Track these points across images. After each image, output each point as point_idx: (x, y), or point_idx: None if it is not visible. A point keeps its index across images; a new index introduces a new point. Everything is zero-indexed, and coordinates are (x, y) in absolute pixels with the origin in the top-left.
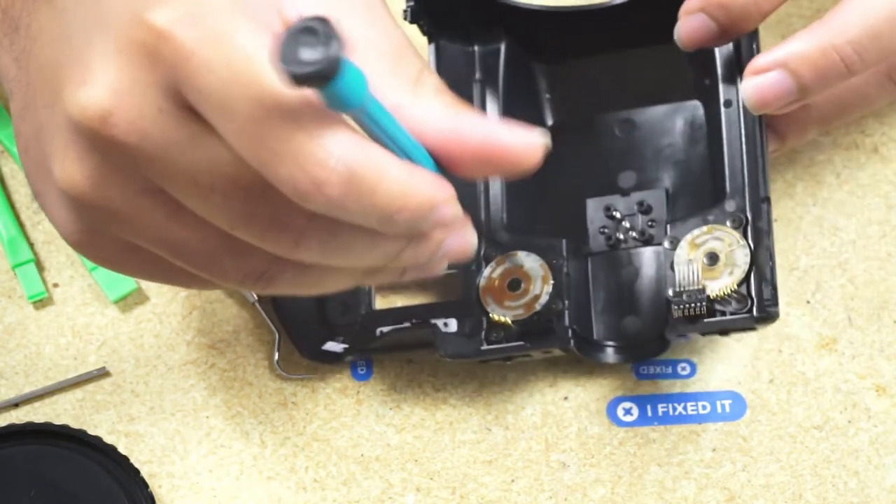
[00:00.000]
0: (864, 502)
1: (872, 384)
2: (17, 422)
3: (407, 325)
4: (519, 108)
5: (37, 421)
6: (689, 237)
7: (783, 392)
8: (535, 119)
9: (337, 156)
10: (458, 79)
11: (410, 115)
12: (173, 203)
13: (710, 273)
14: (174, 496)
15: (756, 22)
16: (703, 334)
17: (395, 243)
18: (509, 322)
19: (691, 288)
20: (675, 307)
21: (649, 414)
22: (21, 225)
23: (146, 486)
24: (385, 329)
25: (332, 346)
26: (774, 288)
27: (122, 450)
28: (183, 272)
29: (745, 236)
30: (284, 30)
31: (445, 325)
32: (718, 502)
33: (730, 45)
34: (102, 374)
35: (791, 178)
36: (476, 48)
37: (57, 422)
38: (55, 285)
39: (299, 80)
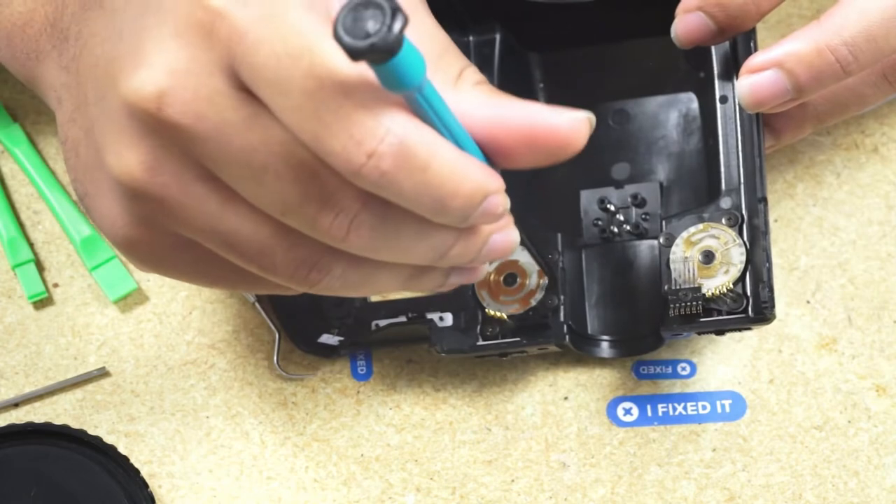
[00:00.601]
0: (864, 502)
1: (872, 384)
2: (17, 422)
3: (403, 318)
4: None
5: (37, 421)
6: (684, 234)
7: (783, 392)
8: None
9: (391, 129)
10: None
11: (454, 109)
12: (227, 191)
13: (705, 271)
14: (174, 496)
15: (754, 21)
16: (699, 333)
17: (444, 235)
18: (505, 317)
19: (687, 286)
20: (671, 306)
21: (649, 414)
22: (21, 225)
23: (146, 486)
24: (381, 323)
25: (328, 338)
26: (771, 290)
27: (122, 450)
28: (233, 270)
29: (740, 234)
30: (345, 3)
31: (441, 319)
32: (718, 502)
33: None
34: (102, 374)
35: (791, 178)
36: (471, 38)
37: (57, 422)
38: (55, 285)
39: (360, 52)
